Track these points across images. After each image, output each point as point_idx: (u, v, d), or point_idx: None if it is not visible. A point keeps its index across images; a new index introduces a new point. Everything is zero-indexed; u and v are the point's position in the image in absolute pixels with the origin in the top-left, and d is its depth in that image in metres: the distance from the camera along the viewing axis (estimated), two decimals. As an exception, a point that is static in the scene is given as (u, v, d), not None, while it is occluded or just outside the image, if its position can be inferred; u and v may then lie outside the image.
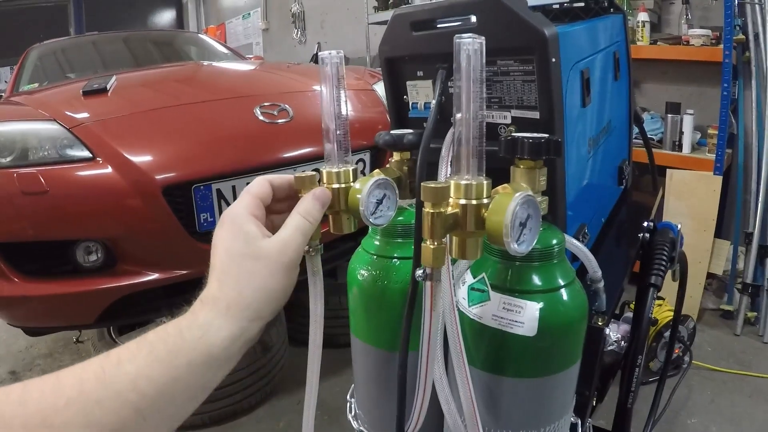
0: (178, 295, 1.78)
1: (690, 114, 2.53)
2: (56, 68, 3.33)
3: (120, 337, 2.15)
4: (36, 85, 2.95)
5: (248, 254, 0.53)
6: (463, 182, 0.53)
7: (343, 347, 0.84)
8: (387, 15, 3.87)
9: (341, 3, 5.06)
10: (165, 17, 8.88)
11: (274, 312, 0.55)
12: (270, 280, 0.53)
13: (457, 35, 0.53)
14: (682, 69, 2.73)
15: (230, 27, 7.44)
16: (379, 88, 2.27)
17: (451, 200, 0.54)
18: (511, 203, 0.51)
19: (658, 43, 2.63)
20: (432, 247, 0.54)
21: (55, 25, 7.07)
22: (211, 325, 0.50)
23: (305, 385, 0.69)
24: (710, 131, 2.48)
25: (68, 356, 2.53)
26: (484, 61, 0.53)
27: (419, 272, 0.56)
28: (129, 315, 1.77)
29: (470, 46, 0.52)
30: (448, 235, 0.55)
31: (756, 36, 2.34)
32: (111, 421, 0.44)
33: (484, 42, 0.53)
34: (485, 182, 0.54)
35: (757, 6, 2.31)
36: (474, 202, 0.53)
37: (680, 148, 2.57)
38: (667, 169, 2.53)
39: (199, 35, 4.50)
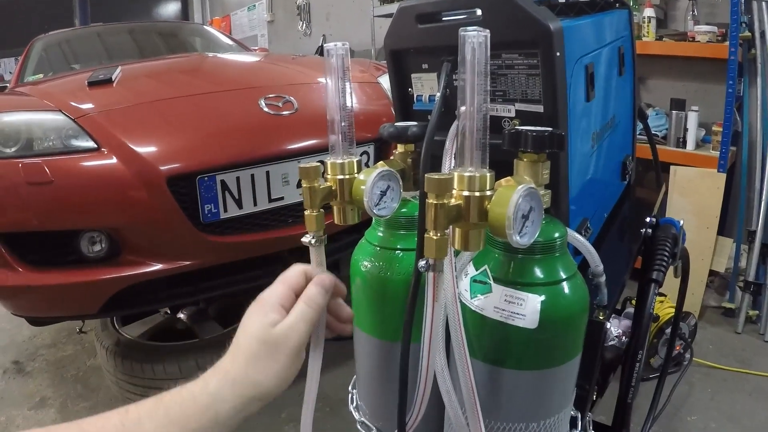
0: (181, 286, 1.79)
1: (695, 111, 2.52)
2: (61, 59, 3.33)
3: (123, 327, 2.16)
4: (41, 75, 2.95)
5: (260, 338, 0.57)
6: (467, 174, 0.54)
7: (344, 339, 0.85)
8: (392, 8, 3.87)
9: (347, -5, 5.06)
10: (170, 8, 8.86)
11: (276, 393, 0.58)
12: (273, 364, 0.57)
13: (462, 28, 0.53)
14: (688, 65, 2.72)
15: (235, 19, 7.42)
16: (384, 81, 2.27)
17: (454, 192, 0.55)
18: (514, 195, 0.51)
19: (664, 39, 2.62)
20: (435, 238, 0.54)
21: (60, 16, 7.05)
22: (218, 395, 0.55)
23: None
24: (715, 128, 2.47)
25: (72, 346, 2.54)
26: (488, 54, 0.53)
27: (422, 263, 0.56)
28: (133, 305, 1.78)
29: (475, 38, 0.52)
30: (451, 227, 0.56)
31: (762, 33, 2.33)
32: None
33: (488, 35, 0.53)
34: (488, 174, 0.54)
35: (763, 3, 2.30)
36: (477, 193, 0.54)
37: (684, 144, 2.57)
38: (671, 166, 2.52)
39: (204, 27, 4.50)
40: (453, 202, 0.54)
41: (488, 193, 0.54)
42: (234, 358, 0.57)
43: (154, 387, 1.90)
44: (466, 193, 0.54)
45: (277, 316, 0.59)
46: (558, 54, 0.70)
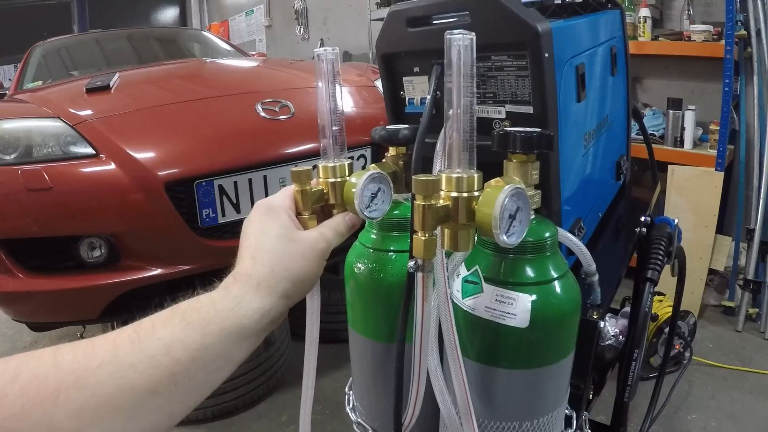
0: (180, 290, 1.79)
1: (692, 110, 2.52)
2: (60, 66, 3.35)
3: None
4: (40, 82, 2.97)
5: (284, 236, 0.57)
6: (455, 175, 0.54)
7: (345, 342, 0.85)
8: (389, 12, 3.87)
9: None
10: (168, 14, 8.89)
11: (301, 294, 0.58)
12: (301, 262, 0.56)
13: (448, 31, 0.53)
14: (684, 65, 2.73)
15: (233, 24, 7.45)
16: (381, 85, 2.28)
17: (442, 193, 0.55)
18: (500, 195, 0.52)
19: (660, 38, 2.62)
20: (423, 238, 0.55)
21: (59, 23, 7.09)
22: (243, 298, 0.53)
23: None
24: (712, 127, 2.47)
25: (73, 352, 2.54)
26: (474, 56, 0.53)
27: (411, 263, 0.57)
28: (132, 310, 1.78)
29: (461, 41, 0.53)
30: (440, 228, 0.56)
31: (758, 32, 2.33)
32: (143, 384, 0.45)
33: (474, 38, 0.53)
34: (476, 175, 0.55)
35: (759, 1, 2.30)
36: (465, 194, 0.54)
37: (682, 144, 2.57)
38: (669, 165, 2.53)
39: (202, 32, 4.51)
40: (441, 203, 0.54)
41: (476, 193, 0.54)
42: (254, 261, 0.55)
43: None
44: (454, 194, 0.54)
45: (288, 218, 0.59)
46: (546, 55, 0.71)
